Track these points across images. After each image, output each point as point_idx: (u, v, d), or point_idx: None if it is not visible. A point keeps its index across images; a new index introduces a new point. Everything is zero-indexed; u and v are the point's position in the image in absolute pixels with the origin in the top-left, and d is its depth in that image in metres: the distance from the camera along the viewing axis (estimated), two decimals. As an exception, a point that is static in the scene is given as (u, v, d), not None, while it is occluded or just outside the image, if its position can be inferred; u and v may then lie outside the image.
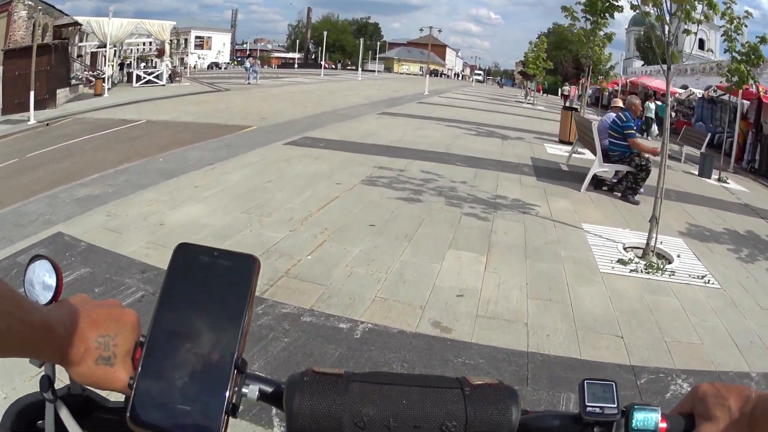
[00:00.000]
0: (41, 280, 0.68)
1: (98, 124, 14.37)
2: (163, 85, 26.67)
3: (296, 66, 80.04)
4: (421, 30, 51.09)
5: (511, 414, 0.62)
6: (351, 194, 7.01)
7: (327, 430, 0.61)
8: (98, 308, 0.64)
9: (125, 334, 0.63)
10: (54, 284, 0.67)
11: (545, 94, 45.96)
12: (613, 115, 9.58)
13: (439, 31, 51.98)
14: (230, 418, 0.59)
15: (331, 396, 0.62)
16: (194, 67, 59.97)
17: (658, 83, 28.74)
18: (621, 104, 9.95)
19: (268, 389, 0.66)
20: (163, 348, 0.60)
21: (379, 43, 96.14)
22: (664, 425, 0.65)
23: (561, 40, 52.70)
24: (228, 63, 78.99)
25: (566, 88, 46.30)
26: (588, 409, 0.65)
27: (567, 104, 43.61)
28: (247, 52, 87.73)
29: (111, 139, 12.30)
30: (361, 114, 17.09)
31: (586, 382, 0.67)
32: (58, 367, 0.65)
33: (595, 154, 8.85)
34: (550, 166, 10.83)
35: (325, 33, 68.10)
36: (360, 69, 55.42)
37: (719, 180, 11.89)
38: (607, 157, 8.68)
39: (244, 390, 0.63)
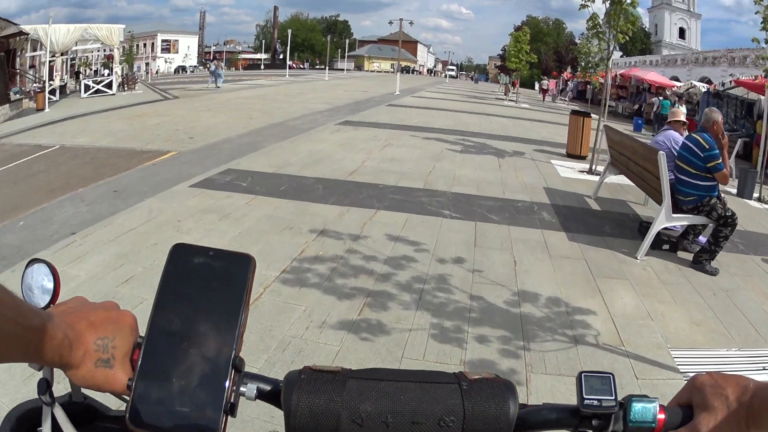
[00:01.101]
0: (39, 284, 0.68)
1: (10, 152, 10.76)
2: (113, 94, 23.99)
3: (262, 67, 77.27)
4: (391, 23, 47.57)
5: (508, 408, 0.62)
6: (253, 316, 3.61)
7: (325, 428, 0.60)
8: (96, 310, 0.64)
9: (124, 336, 0.63)
10: (52, 287, 0.68)
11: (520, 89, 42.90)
12: (675, 135, 6.38)
13: (411, 23, 48.67)
14: (229, 417, 0.59)
15: (329, 393, 0.61)
16: (156, 72, 58.30)
17: (653, 76, 25.83)
18: (683, 117, 6.73)
19: (266, 388, 0.65)
20: (161, 349, 0.60)
21: (348, 41, 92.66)
22: (662, 416, 0.64)
23: (537, 32, 49.80)
24: (195, 66, 76.50)
25: (545, 81, 43.47)
26: (586, 401, 0.64)
27: (550, 99, 41.09)
28: (212, 55, 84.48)
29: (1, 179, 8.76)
30: (317, 125, 13.70)
31: (583, 374, 0.65)
32: (59, 373, 0.63)
33: (657, 199, 5.66)
34: (574, 203, 7.59)
35: (289, 31, 64.29)
36: (328, 68, 51.92)
37: (760, 200, 9.21)
38: (674, 204, 5.52)
39: (242, 389, 0.63)
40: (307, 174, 7.98)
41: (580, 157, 11.49)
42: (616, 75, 28.89)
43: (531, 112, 24.89)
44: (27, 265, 0.69)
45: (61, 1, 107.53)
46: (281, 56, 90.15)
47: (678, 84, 25.19)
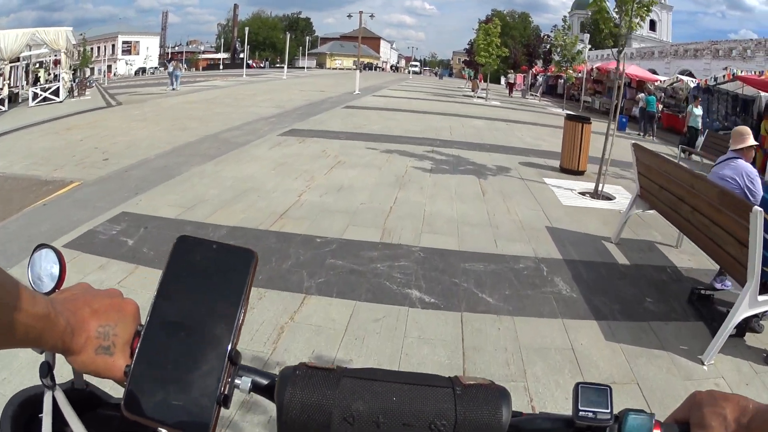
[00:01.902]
0: (46, 269, 0.68)
1: None
2: (61, 101, 21.22)
3: (221, 67, 74.30)
4: (350, 16, 44.94)
5: (501, 415, 0.61)
6: None
7: (316, 424, 0.60)
8: (99, 298, 0.65)
9: (125, 324, 0.64)
10: (57, 273, 0.68)
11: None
12: (749, 169, 4.34)
13: (371, 16, 46.52)
14: (221, 408, 0.59)
15: (322, 390, 0.61)
16: (113, 75, 56.48)
17: (634, 70, 24.04)
18: (752, 141, 4.57)
19: (261, 381, 0.65)
20: (160, 338, 0.61)
21: (309, 39, 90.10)
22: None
23: (503, 26, 47.92)
24: (155, 67, 74.55)
25: (511, 75, 41.55)
26: (581, 413, 0.62)
27: (519, 94, 39.14)
28: (169, 56, 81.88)
29: None
30: (256, 137, 11.26)
31: (580, 386, 0.64)
32: (60, 359, 0.64)
33: (736, 273, 3.55)
34: (593, 253, 5.40)
35: (246, 29, 61.36)
36: (287, 67, 49.28)
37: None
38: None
39: (237, 381, 0.63)
40: (220, 220, 5.61)
41: (578, 173, 9.36)
42: (592, 69, 27.06)
43: (504, 110, 22.81)
44: (34, 251, 0.69)
45: (31, 5, 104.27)
46: (241, 55, 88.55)
47: (661, 78, 23.42)
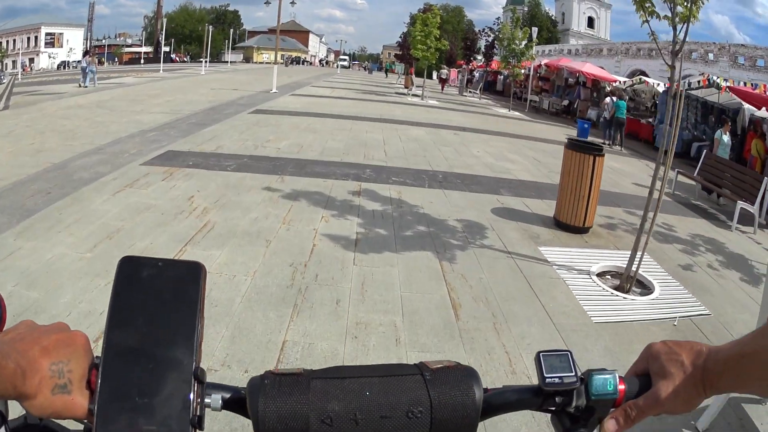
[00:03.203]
0: None
1: None
2: None
3: (142, 61, 68.79)
4: (267, 3, 40.36)
5: (473, 393, 0.62)
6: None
7: (294, 431, 0.58)
8: (47, 334, 0.60)
9: (78, 358, 0.60)
10: None
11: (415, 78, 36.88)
12: None
13: (292, 3, 42.57)
14: (197, 430, 0.56)
15: (295, 396, 0.59)
16: (29, 70, 51.93)
17: (590, 68, 21.33)
18: None
19: (230, 396, 0.63)
20: (119, 368, 0.57)
21: (235, 32, 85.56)
22: (622, 387, 0.65)
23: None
24: (78, 61, 70.10)
25: (444, 71, 38.52)
26: (547, 380, 0.64)
27: (455, 91, 35.94)
28: (85, 50, 76.89)
29: None
30: (111, 167, 7.34)
31: (541, 354, 0.65)
32: (14, 405, 0.59)
33: None
34: None
35: (163, 20, 56.11)
36: (206, 62, 44.83)
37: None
38: None
39: (206, 400, 0.60)
40: None
41: (582, 230, 6.12)
42: (540, 65, 24.28)
43: (446, 112, 19.54)
44: None
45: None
46: (166, 48, 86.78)
47: (620, 78, 20.81)
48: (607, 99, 16.30)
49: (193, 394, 0.57)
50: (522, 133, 15.62)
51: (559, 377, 0.63)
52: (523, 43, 21.20)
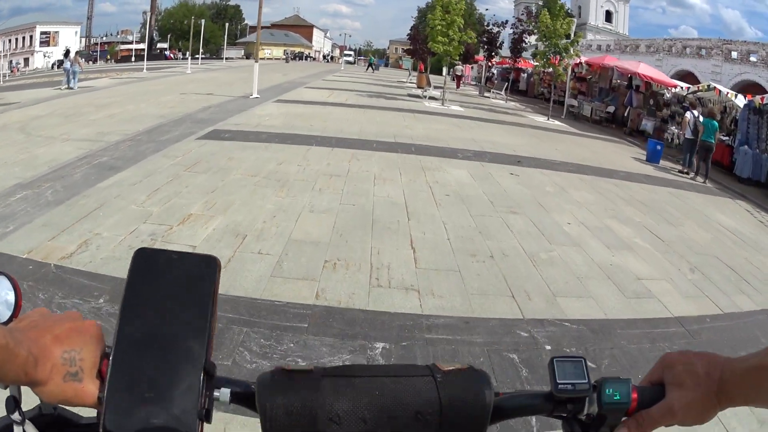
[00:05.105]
0: (1, 297, 0.65)
1: None
2: None
3: (133, 59, 66.28)
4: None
5: (484, 397, 0.61)
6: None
7: (302, 428, 0.58)
8: (60, 322, 0.61)
9: (90, 347, 0.60)
10: (13, 301, 0.65)
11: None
12: None
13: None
14: (205, 423, 0.57)
15: (304, 393, 0.59)
16: (19, 70, 51.01)
17: (645, 69, 17.14)
18: None
19: (240, 391, 0.63)
20: (130, 358, 0.58)
21: (233, 27, 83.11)
22: (635, 396, 0.64)
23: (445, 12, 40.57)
24: (61, 61, 69.49)
25: (459, 67, 34.17)
26: (560, 386, 0.63)
27: (476, 91, 31.54)
28: (65, 50, 75.90)
29: None
30: None
31: (555, 360, 0.64)
32: (27, 391, 0.60)
33: None
34: None
35: (148, 15, 53.29)
36: (189, 59, 41.87)
37: None
38: None
39: (215, 394, 0.61)
40: None
41: None
42: (579, 63, 20.09)
43: (480, 126, 15.27)
44: None
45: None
46: (161, 45, 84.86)
47: (681, 84, 16.56)
48: (688, 114, 12.21)
49: (203, 387, 0.57)
50: (589, 163, 11.27)
51: (572, 384, 0.62)
52: (568, 33, 17.05)
